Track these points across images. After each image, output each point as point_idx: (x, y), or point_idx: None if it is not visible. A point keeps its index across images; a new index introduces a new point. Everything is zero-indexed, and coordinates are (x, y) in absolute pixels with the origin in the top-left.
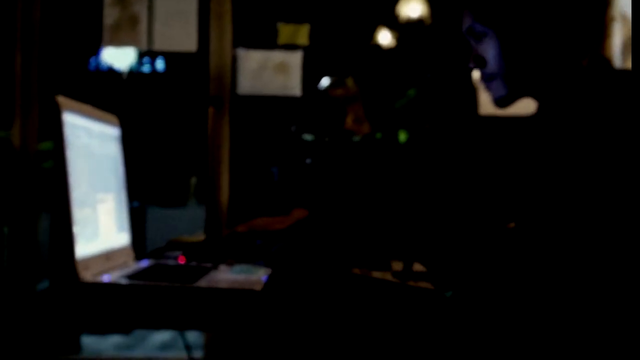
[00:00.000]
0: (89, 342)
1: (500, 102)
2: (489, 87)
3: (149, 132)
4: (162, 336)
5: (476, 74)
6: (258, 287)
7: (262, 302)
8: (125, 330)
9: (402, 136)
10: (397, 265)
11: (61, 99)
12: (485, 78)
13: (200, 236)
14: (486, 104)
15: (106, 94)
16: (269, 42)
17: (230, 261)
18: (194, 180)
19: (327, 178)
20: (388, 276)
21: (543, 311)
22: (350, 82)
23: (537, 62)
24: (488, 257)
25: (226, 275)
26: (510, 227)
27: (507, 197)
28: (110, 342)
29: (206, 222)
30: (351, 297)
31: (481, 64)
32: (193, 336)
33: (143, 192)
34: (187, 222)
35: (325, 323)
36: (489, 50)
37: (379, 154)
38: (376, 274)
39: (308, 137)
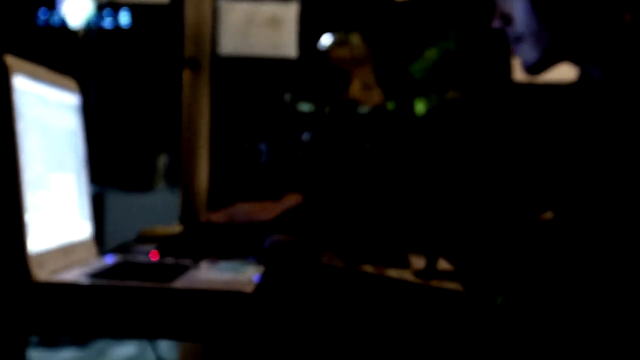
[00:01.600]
0: (38, 356)
1: (532, 68)
2: (517, 51)
3: (109, 100)
4: (126, 350)
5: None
6: (248, 289)
7: (254, 307)
8: (85, 339)
9: (420, 107)
10: (418, 262)
11: (10, 60)
12: (513, 40)
13: (175, 227)
14: (520, 69)
15: (57, 55)
16: None
17: (214, 257)
18: (163, 158)
19: (328, 157)
20: (407, 275)
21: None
22: (356, 39)
23: (575, 17)
24: (527, 254)
25: (209, 274)
26: (545, 217)
27: (545, 182)
28: (62, 357)
29: (182, 209)
30: (362, 303)
31: (507, 21)
32: (165, 346)
33: (101, 173)
34: (156, 210)
35: (331, 334)
36: (516, 3)
37: (391, 128)
38: (392, 273)
39: (305, 107)
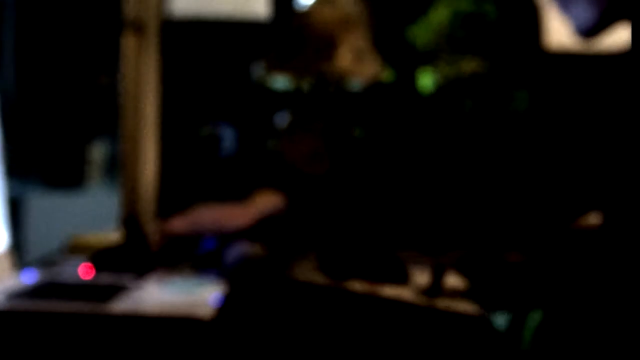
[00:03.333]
0: None
1: (586, 31)
2: (567, 11)
3: (29, 76)
4: None
5: None
6: (205, 314)
7: (213, 338)
8: None
9: (426, 80)
10: (421, 277)
11: None
12: None
13: (113, 234)
14: (557, 34)
15: None
16: None
17: (162, 271)
18: (99, 147)
19: (309, 146)
20: (406, 293)
21: None
22: None
23: None
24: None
25: (155, 295)
26: (586, 222)
27: (586, 180)
28: None
29: (123, 213)
30: (350, 331)
31: None
32: None
33: (18, 168)
34: (88, 213)
35: None
36: None
37: (390, 107)
38: (387, 291)
39: (279, 83)
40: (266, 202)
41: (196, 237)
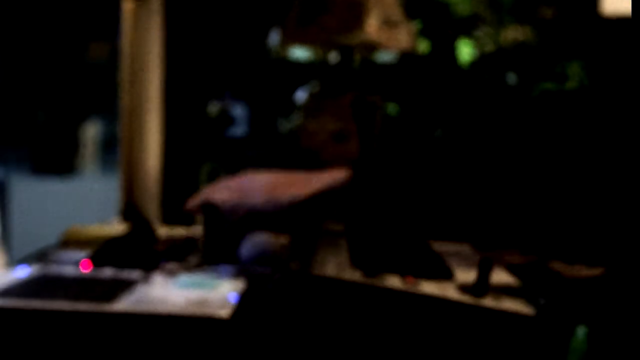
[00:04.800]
0: None
1: None
2: None
3: (12, 45)
4: None
5: None
6: (222, 313)
7: (229, 339)
8: None
9: (465, 51)
10: (466, 275)
11: None
12: None
13: (115, 226)
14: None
15: None
16: None
17: (170, 266)
18: (92, 129)
19: (333, 127)
20: (450, 291)
21: None
22: None
23: None
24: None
25: (164, 291)
26: None
27: None
28: None
29: (123, 201)
30: (386, 333)
31: None
32: None
33: (3, 151)
34: (84, 202)
35: None
36: None
37: (427, 81)
38: (429, 288)
39: (299, 54)
40: (333, 176)
41: (236, 215)
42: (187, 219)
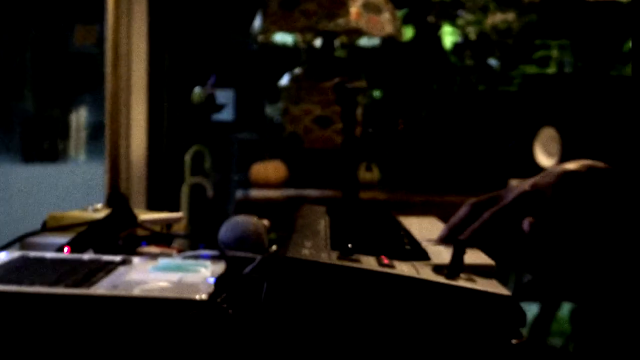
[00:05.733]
0: None
1: None
2: None
3: None
4: None
5: None
6: (200, 296)
7: (207, 321)
8: None
9: (449, 36)
10: (440, 255)
11: None
12: None
13: (96, 211)
14: None
15: None
16: None
17: (150, 250)
18: (78, 116)
19: (316, 111)
20: (427, 272)
21: None
22: None
23: None
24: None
25: (144, 275)
26: None
27: None
28: None
29: (109, 187)
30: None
31: None
32: None
33: None
34: (69, 188)
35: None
36: None
37: (410, 66)
38: (403, 268)
39: (284, 39)
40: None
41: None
42: (172, 204)
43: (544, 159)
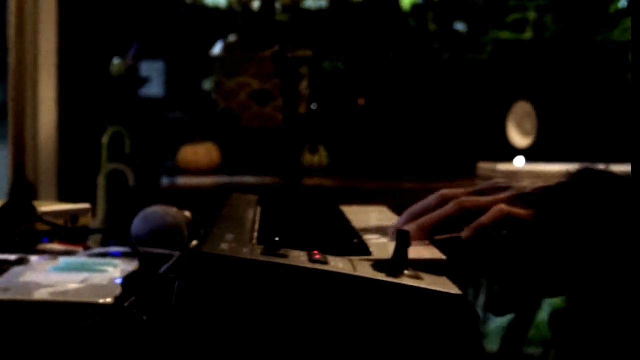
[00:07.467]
0: None
1: None
2: None
3: None
4: None
5: None
6: (105, 300)
7: (115, 326)
8: None
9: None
10: (385, 249)
11: None
12: None
13: None
14: None
15: None
16: None
17: (53, 246)
18: None
19: (255, 84)
20: (366, 268)
21: None
22: None
23: None
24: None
25: (43, 275)
26: None
27: None
28: None
29: (12, 175)
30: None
31: None
32: None
33: None
34: None
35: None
36: None
37: (364, 31)
38: (338, 265)
39: (220, 0)
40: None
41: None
42: (88, 194)
43: (518, 138)
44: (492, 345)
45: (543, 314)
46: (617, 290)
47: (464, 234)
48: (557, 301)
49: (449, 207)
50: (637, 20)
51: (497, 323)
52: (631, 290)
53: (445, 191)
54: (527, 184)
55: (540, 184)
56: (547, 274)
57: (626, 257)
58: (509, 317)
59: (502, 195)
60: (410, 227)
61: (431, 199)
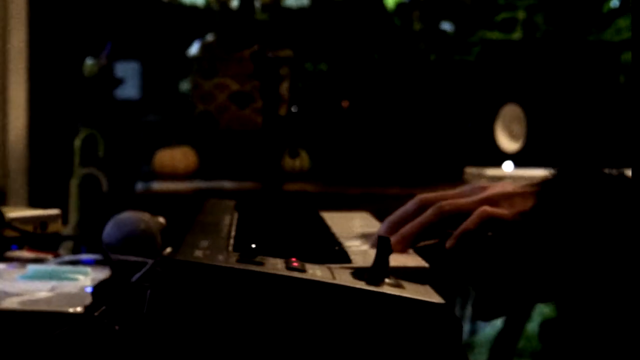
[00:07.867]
0: None
1: None
2: None
3: None
4: None
5: None
6: (75, 309)
7: (85, 336)
8: None
9: None
10: (365, 257)
11: None
12: None
13: None
14: None
15: None
16: None
17: (21, 255)
18: None
19: (233, 86)
20: (344, 276)
21: None
22: None
23: None
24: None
25: (9, 283)
26: None
27: None
28: None
29: None
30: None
31: None
32: None
33: None
34: None
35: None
36: None
37: (347, 30)
38: (316, 273)
39: None
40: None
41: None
42: (60, 200)
43: (507, 142)
44: (481, 356)
45: (533, 325)
46: (607, 290)
47: (449, 243)
48: (547, 311)
49: (429, 214)
50: (637, 20)
51: (486, 334)
52: (620, 289)
53: (423, 196)
54: (508, 185)
55: (522, 183)
56: (535, 275)
57: (615, 254)
58: (497, 328)
59: (481, 196)
60: (392, 240)
61: (409, 205)
